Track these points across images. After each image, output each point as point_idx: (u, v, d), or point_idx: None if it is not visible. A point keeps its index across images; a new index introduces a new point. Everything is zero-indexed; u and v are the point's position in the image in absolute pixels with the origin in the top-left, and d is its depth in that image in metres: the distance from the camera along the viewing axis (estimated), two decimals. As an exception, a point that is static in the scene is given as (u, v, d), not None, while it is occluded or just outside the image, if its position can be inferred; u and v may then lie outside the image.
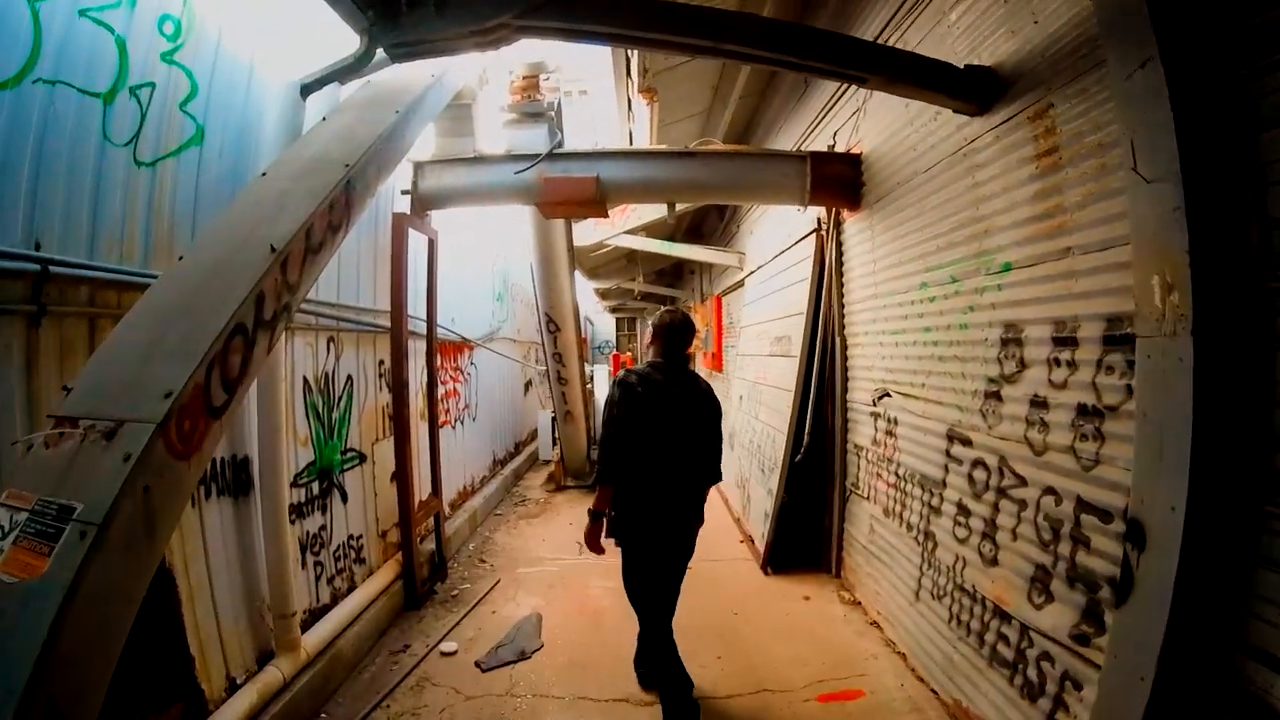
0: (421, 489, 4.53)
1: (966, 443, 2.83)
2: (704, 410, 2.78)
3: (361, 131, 2.37)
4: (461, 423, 5.74)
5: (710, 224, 10.41)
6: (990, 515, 2.65)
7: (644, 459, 2.63)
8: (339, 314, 3.44)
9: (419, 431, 4.51)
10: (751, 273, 6.61)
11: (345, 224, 2.17)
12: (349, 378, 3.58)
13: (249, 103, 2.79)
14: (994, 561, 2.64)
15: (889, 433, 3.59)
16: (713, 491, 3.04)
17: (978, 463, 2.75)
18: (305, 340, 3.19)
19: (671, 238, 8.79)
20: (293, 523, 3.09)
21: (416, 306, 4.43)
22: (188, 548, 2.42)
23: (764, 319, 5.63)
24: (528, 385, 9.75)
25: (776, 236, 5.54)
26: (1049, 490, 2.30)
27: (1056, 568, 2.26)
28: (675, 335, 2.81)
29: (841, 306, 4.16)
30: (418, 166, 3.92)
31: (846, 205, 3.98)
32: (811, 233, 4.40)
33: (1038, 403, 2.37)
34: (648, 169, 3.67)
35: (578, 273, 13.29)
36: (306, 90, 2.91)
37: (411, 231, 4.13)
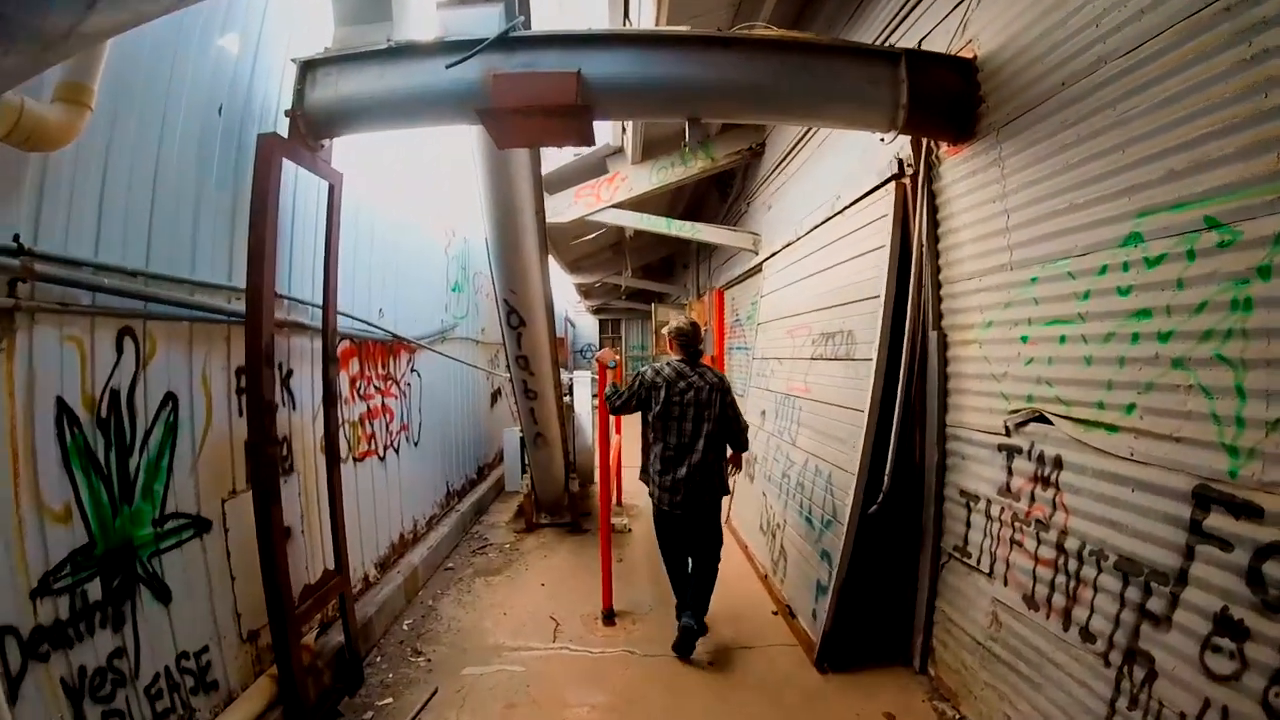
0: (322, 559, 3.22)
1: (1248, 512, 1.62)
2: (713, 393, 3.43)
3: None
4: (396, 450, 4.40)
5: (711, 206, 9.21)
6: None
7: (666, 427, 3.40)
8: (146, 290, 2.12)
9: (315, 473, 3.18)
10: (775, 254, 5.39)
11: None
12: (169, 398, 2.26)
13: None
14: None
15: (1041, 479, 2.37)
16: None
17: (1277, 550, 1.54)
18: (65, 332, 1.88)
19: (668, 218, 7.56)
20: (43, 659, 1.79)
21: (311, 288, 3.11)
22: None
23: (800, 310, 4.40)
24: (496, 395, 8.40)
25: (818, 199, 4.33)
26: None
27: None
28: (687, 339, 3.55)
29: (938, 286, 2.94)
30: (306, 68, 2.60)
31: (950, 135, 2.77)
32: (889, 181, 3.18)
33: None
34: (658, 63, 2.37)
35: (556, 265, 12.01)
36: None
37: (296, 170, 2.83)
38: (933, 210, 2.94)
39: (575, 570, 4.81)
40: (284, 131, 2.73)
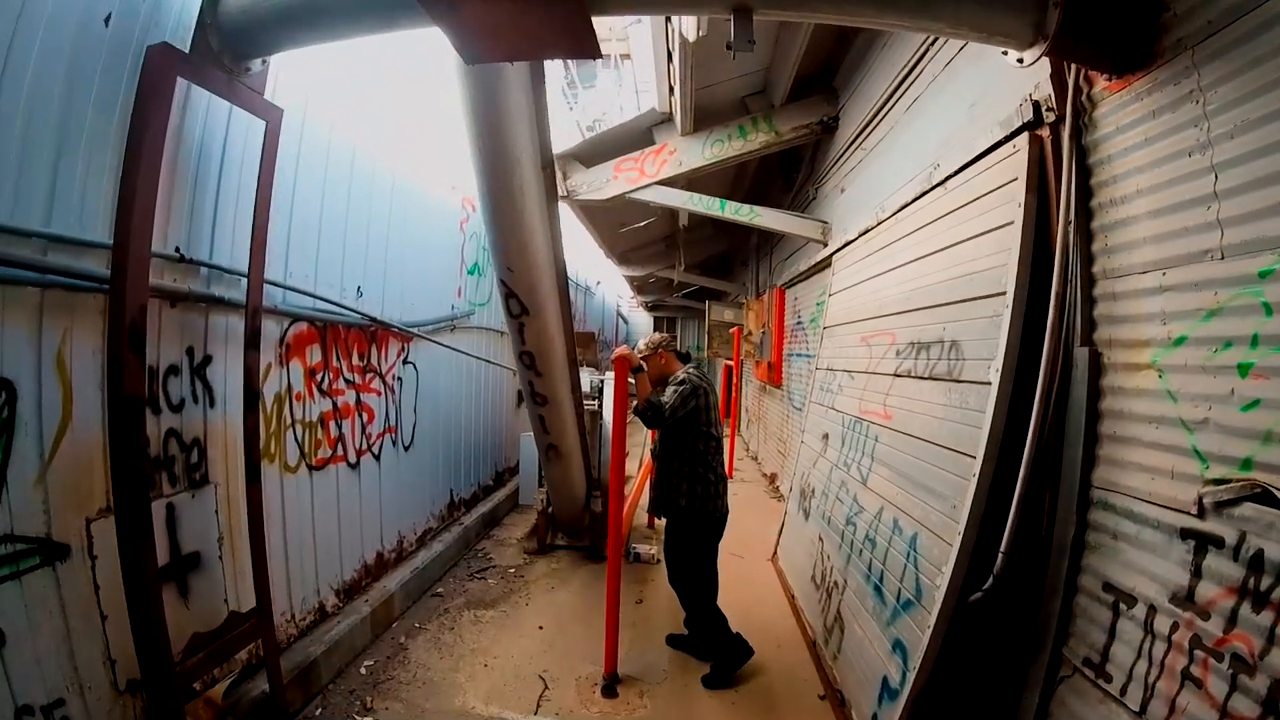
0: (253, 589, 2.70)
1: None
2: None
3: None
4: (375, 455, 3.88)
5: (774, 195, 8.39)
6: None
7: (720, 434, 3.48)
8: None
9: (241, 483, 2.64)
10: (848, 243, 4.60)
11: None
12: (2, 386, 1.75)
13: None
14: None
15: (1253, 593, 1.56)
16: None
17: None
18: None
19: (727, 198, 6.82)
20: None
21: (247, 256, 2.57)
22: None
23: (880, 311, 3.61)
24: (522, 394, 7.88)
25: (907, 172, 3.54)
26: None
27: None
28: (676, 345, 3.71)
29: (1090, 282, 2.13)
30: (223, -36, 2.08)
31: (1110, 63, 1.97)
32: (1018, 132, 2.38)
33: None
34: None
35: (604, 255, 11.37)
36: None
37: (231, 108, 2.31)
38: (1083, 172, 2.13)
39: (583, 610, 4.19)
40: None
